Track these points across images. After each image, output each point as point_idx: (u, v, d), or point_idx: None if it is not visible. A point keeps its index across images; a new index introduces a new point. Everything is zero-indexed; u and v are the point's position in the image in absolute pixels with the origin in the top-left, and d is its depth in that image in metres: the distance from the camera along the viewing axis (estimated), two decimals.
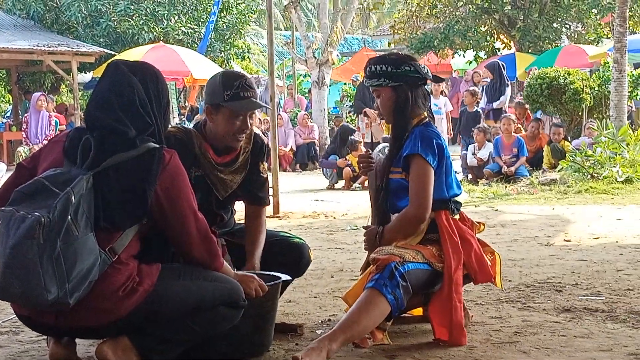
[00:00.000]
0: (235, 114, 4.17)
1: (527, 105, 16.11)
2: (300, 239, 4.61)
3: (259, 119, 16.95)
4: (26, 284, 3.09)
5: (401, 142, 4.23)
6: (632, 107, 17.97)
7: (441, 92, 17.64)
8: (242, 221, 4.55)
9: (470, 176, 13.78)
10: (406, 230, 4.17)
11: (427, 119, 4.30)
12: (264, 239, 4.41)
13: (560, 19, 26.21)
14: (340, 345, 3.79)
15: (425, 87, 4.35)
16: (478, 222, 4.49)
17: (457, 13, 27.12)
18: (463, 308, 4.19)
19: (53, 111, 17.31)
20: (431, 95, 4.54)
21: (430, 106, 4.36)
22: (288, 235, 4.57)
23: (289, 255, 4.39)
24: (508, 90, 17.04)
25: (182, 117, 23.15)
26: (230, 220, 4.56)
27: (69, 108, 22.64)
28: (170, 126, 4.03)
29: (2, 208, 3.20)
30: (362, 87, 19.18)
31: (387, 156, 4.34)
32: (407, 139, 4.21)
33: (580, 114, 15.47)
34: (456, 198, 4.34)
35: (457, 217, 4.31)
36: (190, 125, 5.39)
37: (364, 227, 4.46)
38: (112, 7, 23.42)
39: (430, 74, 4.32)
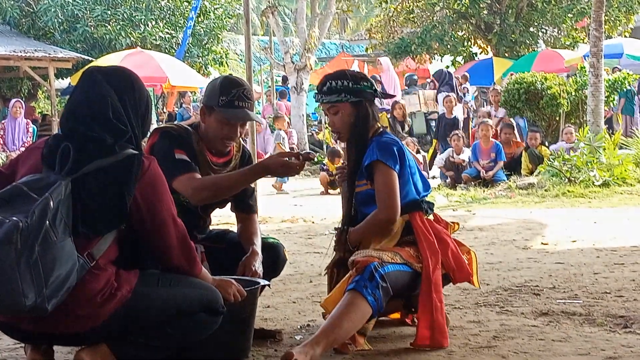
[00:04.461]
0: (226, 121, 4.18)
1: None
2: (274, 239, 4.65)
3: None
4: (3, 290, 3.05)
5: (362, 156, 4.24)
6: (613, 108, 18.06)
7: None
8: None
9: (448, 180, 13.80)
10: (376, 233, 4.22)
11: (382, 129, 4.34)
12: (260, 239, 4.43)
13: (536, 24, 26.33)
14: (323, 350, 3.81)
15: None
16: (452, 222, 4.53)
17: (434, 18, 27.21)
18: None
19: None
20: None
21: None
22: (262, 236, 4.58)
23: (265, 256, 4.37)
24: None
25: (161, 123, 22.98)
26: (207, 227, 4.57)
27: (47, 116, 22.45)
28: (168, 124, 4.02)
29: None
30: None
31: (349, 172, 4.35)
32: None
33: (557, 118, 15.54)
34: (427, 198, 4.39)
35: (431, 217, 4.35)
36: None
37: (335, 229, 4.50)
38: (88, 12, 23.22)
39: (379, 91, 4.37)
